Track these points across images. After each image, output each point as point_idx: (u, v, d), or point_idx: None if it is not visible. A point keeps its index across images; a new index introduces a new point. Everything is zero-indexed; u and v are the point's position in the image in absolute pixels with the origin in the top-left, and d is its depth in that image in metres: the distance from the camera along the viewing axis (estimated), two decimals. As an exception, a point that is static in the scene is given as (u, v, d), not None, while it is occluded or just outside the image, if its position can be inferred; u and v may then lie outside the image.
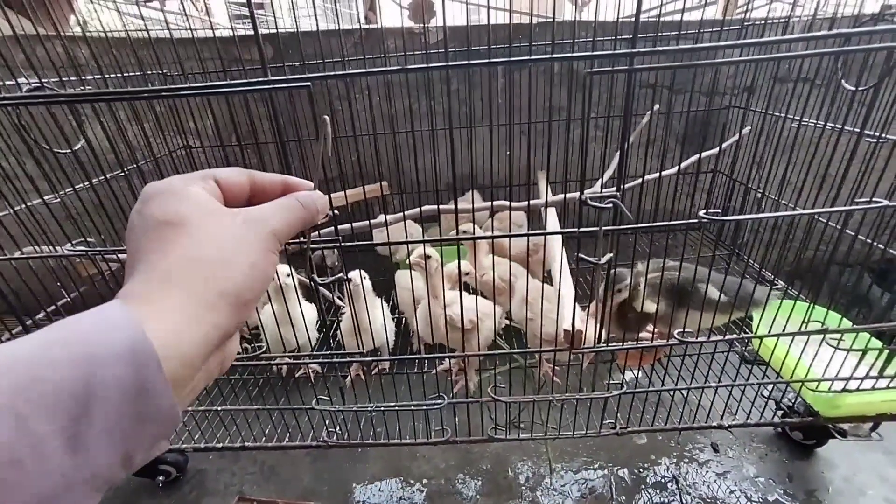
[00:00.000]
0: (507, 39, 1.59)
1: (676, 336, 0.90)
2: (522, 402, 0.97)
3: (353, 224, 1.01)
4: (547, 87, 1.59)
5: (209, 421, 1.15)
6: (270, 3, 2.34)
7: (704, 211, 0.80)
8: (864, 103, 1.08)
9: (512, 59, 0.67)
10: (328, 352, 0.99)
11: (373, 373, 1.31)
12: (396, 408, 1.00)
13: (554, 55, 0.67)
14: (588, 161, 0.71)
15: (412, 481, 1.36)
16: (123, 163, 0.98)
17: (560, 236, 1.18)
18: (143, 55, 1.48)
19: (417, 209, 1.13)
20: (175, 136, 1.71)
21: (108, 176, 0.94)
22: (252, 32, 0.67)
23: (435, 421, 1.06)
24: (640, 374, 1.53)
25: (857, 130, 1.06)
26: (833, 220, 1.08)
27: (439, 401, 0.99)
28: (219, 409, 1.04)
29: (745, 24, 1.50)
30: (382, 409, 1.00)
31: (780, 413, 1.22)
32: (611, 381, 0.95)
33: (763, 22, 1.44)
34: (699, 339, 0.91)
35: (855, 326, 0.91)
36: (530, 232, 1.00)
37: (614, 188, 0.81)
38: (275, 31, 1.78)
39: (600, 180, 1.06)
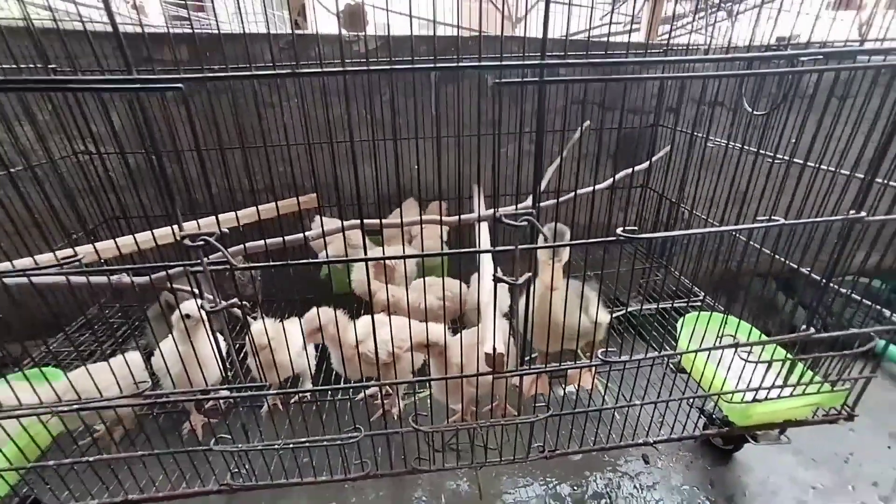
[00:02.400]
0: (440, 51, 1.56)
1: (599, 356, 0.88)
2: (445, 430, 0.91)
3: (267, 240, 0.92)
4: (481, 100, 1.58)
5: (80, 475, 0.92)
6: (212, 4, 2.16)
7: (622, 228, 0.79)
8: (772, 127, 1.16)
9: (417, 66, 0.63)
10: (228, 386, 0.86)
11: (292, 402, 1.20)
12: (307, 444, 0.90)
13: (461, 64, 0.63)
14: (522, 175, 0.69)
15: (338, 519, 1.25)
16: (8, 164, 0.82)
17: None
18: (22, 46, 1.29)
19: (339, 224, 1.05)
20: (67, 141, 1.51)
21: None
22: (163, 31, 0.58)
23: (356, 453, 0.97)
24: (567, 392, 1.53)
25: (762, 152, 1.13)
26: (743, 234, 1.14)
27: (356, 433, 0.90)
28: (91, 459, 0.87)
29: (654, 49, 1.59)
30: (291, 446, 0.90)
31: (702, 422, 1.26)
32: (536, 405, 0.92)
33: (665, 48, 1.54)
34: (622, 358, 0.90)
35: (762, 339, 0.95)
36: (447, 251, 0.95)
37: (534, 205, 0.78)
38: (191, 31, 1.63)
39: (530, 196, 1.04)
